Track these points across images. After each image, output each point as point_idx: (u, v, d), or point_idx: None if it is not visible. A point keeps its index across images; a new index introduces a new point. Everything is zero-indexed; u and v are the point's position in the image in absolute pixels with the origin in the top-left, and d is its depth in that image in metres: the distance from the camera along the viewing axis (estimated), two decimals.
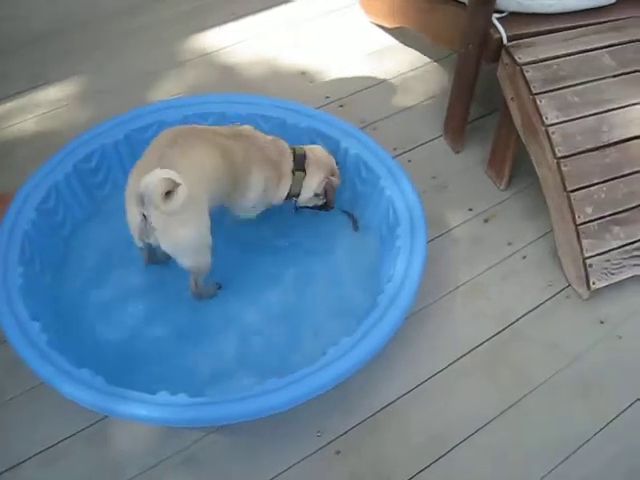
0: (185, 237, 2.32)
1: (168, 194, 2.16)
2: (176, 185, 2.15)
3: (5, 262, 2.41)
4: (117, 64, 3.67)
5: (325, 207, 2.77)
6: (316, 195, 2.71)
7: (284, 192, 2.66)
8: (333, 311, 2.55)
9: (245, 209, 2.65)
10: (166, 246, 2.32)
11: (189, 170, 2.25)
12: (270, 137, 2.65)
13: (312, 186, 2.67)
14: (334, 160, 2.75)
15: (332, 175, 2.70)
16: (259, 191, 2.59)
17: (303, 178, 2.65)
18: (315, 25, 3.95)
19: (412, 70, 3.67)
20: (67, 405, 2.18)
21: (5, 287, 2.34)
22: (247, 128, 2.62)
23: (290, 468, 2.27)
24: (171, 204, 2.16)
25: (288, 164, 2.64)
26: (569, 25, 2.80)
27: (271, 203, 2.69)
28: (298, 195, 2.70)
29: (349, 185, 2.87)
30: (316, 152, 2.71)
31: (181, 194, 2.16)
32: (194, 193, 2.23)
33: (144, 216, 2.25)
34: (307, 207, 2.77)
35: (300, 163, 2.65)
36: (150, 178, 2.12)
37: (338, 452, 2.31)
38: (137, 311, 2.58)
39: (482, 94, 3.14)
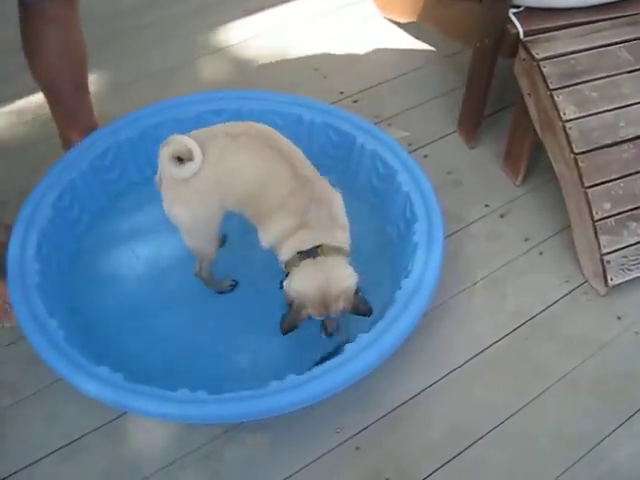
0: (178, 215, 2.32)
1: (182, 162, 2.18)
2: (191, 156, 2.16)
3: (22, 259, 2.41)
4: (130, 60, 3.67)
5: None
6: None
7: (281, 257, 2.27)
8: None
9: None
10: (166, 212, 2.33)
11: (225, 166, 2.24)
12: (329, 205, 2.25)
13: (290, 284, 2.20)
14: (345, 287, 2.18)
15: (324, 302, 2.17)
16: (269, 237, 2.28)
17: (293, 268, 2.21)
18: (328, 20, 3.94)
19: (426, 65, 3.66)
20: (85, 401, 2.18)
21: (22, 284, 2.34)
22: (320, 185, 2.26)
23: (309, 464, 2.26)
24: (175, 170, 2.19)
25: (298, 243, 2.20)
26: (586, 20, 2.78)
27: None
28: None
29: (366, 181, 2.85)
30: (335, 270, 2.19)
31: (191, 167, 2.17)
32: (211, 187, 2.24)
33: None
34: None
35: (309, 254, 2.19)
36: (169, 139, 2.17)
37: (358, 448, 2.30)
38: (154, 307, 2.58)
39: (497, 89, 3.12)
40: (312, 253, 2.16)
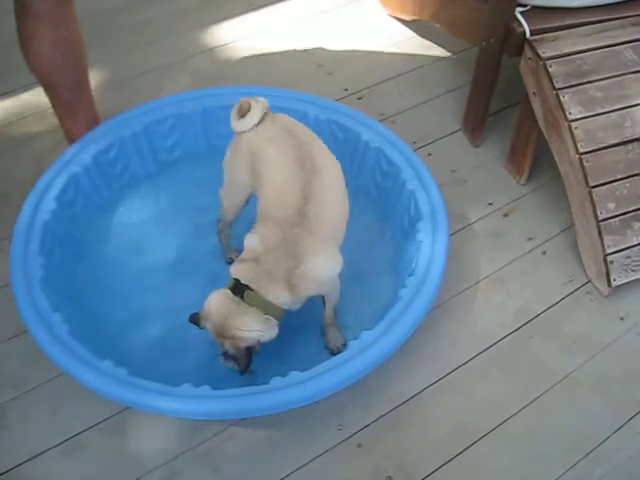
0: (224, 160, 2.47)
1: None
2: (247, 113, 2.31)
3: (26, 253, 2.41)
4: (130, 56, 3.67)
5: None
6: None
7: None
8: (354, 306, 2.53)
9: None
10: None
11: (261, 147, 2.30)
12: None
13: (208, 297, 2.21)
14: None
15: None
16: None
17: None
18: (333, 17, 3.94)
19: (431, 63, 3.66)
20: (88, 396, 2.18)
21: (26, 278, 2.34)
22: (310, 240, 2.16)
23: (311, 462, 2.26)
24: (234, 121, 2.35)
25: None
26: (592, 19, 2.78)
27: None
28: None
29: (370, 178, 2.85)
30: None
31: (243, 122, 2.32)
32: (246, 152, 2.34)
33: None
34: None
35: (236, 289, 2.16)
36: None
37: (359, 445, 2.30)
38: (158, 302, 2.58)
39: (502, 87, 3.11)
40: (239, 290, 2.13)
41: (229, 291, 2.14)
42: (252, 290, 2.12)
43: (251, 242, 2.19)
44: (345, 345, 2.33)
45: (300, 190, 2.18)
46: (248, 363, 2.16)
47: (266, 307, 2.13)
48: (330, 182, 2.26)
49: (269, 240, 2.15)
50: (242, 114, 2.32)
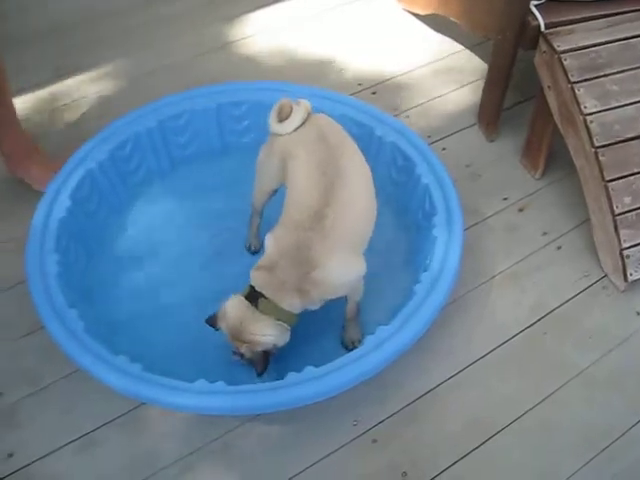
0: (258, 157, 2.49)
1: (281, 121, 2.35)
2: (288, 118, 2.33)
3: (41, 250, 2.42)
4: (146, 52, 3.67)
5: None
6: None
7: None
8: (369, 301, 2.51)
9: None
10: None
11: (294, 150, 2.31)
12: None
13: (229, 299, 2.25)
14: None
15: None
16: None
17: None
18: (346, 12, 3.94)
19: (445, 57, 3.65)
20: (103, 392, 2.19)
21: (42, 275, 2.35)
22: (327, 243, 2.15)
23: (326, 457, 2.26)
24: (272, 123, 2.37)
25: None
26: (607, 12, 2.76)
27: None
28: None
29: (385, 173, 2.84)
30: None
31: (282, 126, 2.33)
32: (278, 153, 2.35)
33: None
34: None
35: (252, 297, 2.20)
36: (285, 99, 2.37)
37: (375, 441, 2.30)
38: (172, 298, 2.58)
39: (517, 81, 3.10)
40: (254, 297, 2.16)
41: (243, 298, 2.18)
42: (266, 298, 2.15)
43: (267, 243, 2.21)
44: (361, 342, 2.32)
45: (319, 194, 2.17)
46: (265, 365, 2.19)
47: (279, 314, 2.15)
48: (354, 186, 2.24)
49: (284, 243, 2.16)
50: (282, 118, 2.34)
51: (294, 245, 2.14)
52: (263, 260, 2.21)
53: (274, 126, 2.35)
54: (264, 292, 2.15)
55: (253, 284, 2.18)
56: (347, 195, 2.20)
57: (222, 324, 2.21)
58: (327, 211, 2.14)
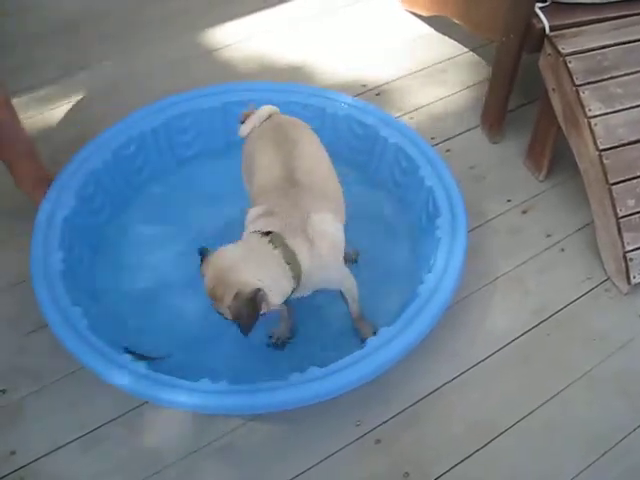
0: None
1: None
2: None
3: (45, 248, 2.43)
4: (148, 52, 3.68)
5: None
6: None
7: None
8: (373, 303, 2.52)
9: None
10: None
11: (253, 144, 2.40)
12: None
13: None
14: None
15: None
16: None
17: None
18: (351, 13, 3.94)
19: (449, 59, 3.65)
20: (107, 390, 2.20)
21: (46, 272, 2.36)
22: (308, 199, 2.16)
23: (329, 457, 2.26)
24: (239, 126, 2.48)
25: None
26: (612, 15, 2.76)
27: None
28: None
29: (388, 175, 2.84)
30: None
31: (240, 128, 2.46)
32: (246, 153, 2.44)
33: None
34: None
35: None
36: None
37: (378, 441, 2.30)
38: (177, 297, 2.59)
39: (521, 83, 3.10)
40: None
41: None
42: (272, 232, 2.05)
43: (252, 210, 2.18)
44: (375, 333, 2.28)
45: (281, 164, 2.24)
46: (252, 322, 1.92)
47: (287, 254, 2.01)
48: (311, 151, 2.35)
49: (271, 201, 2.16)
50: (242, 122, 2.47)
51: (284, 198, 2.14)
52: (256, 210, 2.15)
53: (239, 131, 2.47)
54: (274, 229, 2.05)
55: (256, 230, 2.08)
56: (308, 160, 2.29)
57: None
58: (297, 176, 2.21)
